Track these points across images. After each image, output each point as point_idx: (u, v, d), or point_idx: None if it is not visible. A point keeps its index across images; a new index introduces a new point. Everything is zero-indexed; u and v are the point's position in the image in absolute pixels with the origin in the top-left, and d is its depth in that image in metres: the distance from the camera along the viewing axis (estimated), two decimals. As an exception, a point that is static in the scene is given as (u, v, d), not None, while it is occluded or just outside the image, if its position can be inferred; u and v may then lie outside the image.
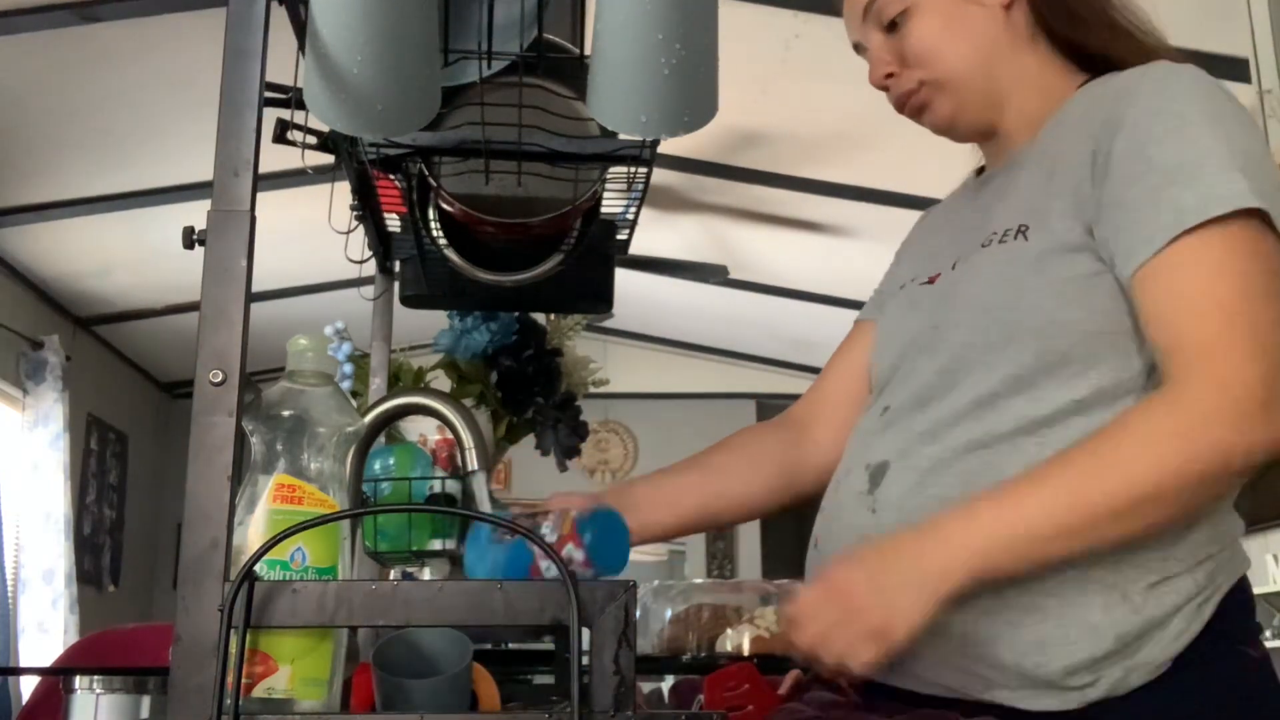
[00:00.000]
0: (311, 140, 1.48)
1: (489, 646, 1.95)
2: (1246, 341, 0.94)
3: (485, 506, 1.47)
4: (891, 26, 1.18)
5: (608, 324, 6.02)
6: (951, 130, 1.21)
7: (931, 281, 1.17)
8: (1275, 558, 4.65)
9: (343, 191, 1.77)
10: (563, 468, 2.30)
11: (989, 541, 0.95)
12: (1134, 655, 0.97)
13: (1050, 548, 0.95)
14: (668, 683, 2.82)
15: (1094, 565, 0.98)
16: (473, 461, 1.46)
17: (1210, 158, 0.99)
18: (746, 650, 2.10)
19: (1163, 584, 0.98)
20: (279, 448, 0.89)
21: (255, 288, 0.80)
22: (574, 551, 0.98)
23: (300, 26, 1.21)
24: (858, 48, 1.24)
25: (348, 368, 2.11)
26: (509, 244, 1.55)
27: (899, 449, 1.08)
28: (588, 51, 1.16)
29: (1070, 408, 1.01)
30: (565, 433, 2.19)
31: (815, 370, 6.98)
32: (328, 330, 2.12)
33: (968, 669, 1.00)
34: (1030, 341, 1.02)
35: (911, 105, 1.20)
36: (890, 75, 1.19)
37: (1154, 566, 0.98)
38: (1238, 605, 1.02)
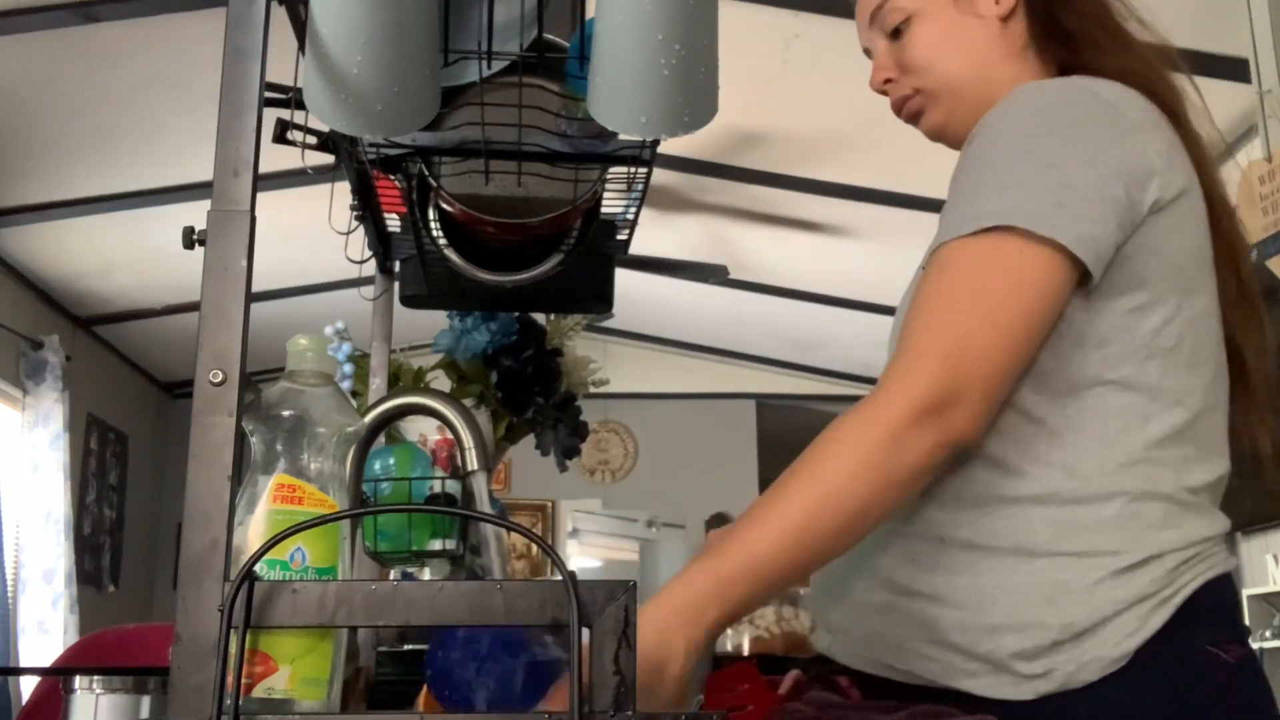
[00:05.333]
0: (311, 140, 1.48)
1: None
2: (944, 354, 0.99)
3: (485, 506, 1.47)
4: (895, 34, 1.23)
5: (608, 324, 6.02)
6: (943, 137, 1.25)
7: None
8: (1275, 558, 4.66)
9: (343, 191, 1.77)
10: (563, 468, 2.30)
11: (725, 604, 0.96)
12: (1082, 647, 0.99)
13: (787, 575, 0.98)
14: (668, 683, 2.82)
15: (1043, 557, 1.01)
16: (473, 461, 1.46)
17: (989, 177, 1.04)
18: (746, 650, 2.10)
19: (1112, 579, 1.00)
20: (279, 448, 0.89)
21: (255, 288, 0.80)
22: None
23: (300, 26, 1.21)
24: (867, 52, 1.29)
25: (348, 368, 2.11)
26: (509, 244, 1.55)
27: None
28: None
29: None
30: (565, 433, 2.19)
31: (815, 370, 7.01)
32: (328, 330, 2.12)
33: (932, 655, 1.04)
34: None
35: (907, 111, 1.25)
36: (889, 81, 1.24)
37: (1103, 562, 1.01)
38: (1211, 607, 1.02)
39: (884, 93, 1.26)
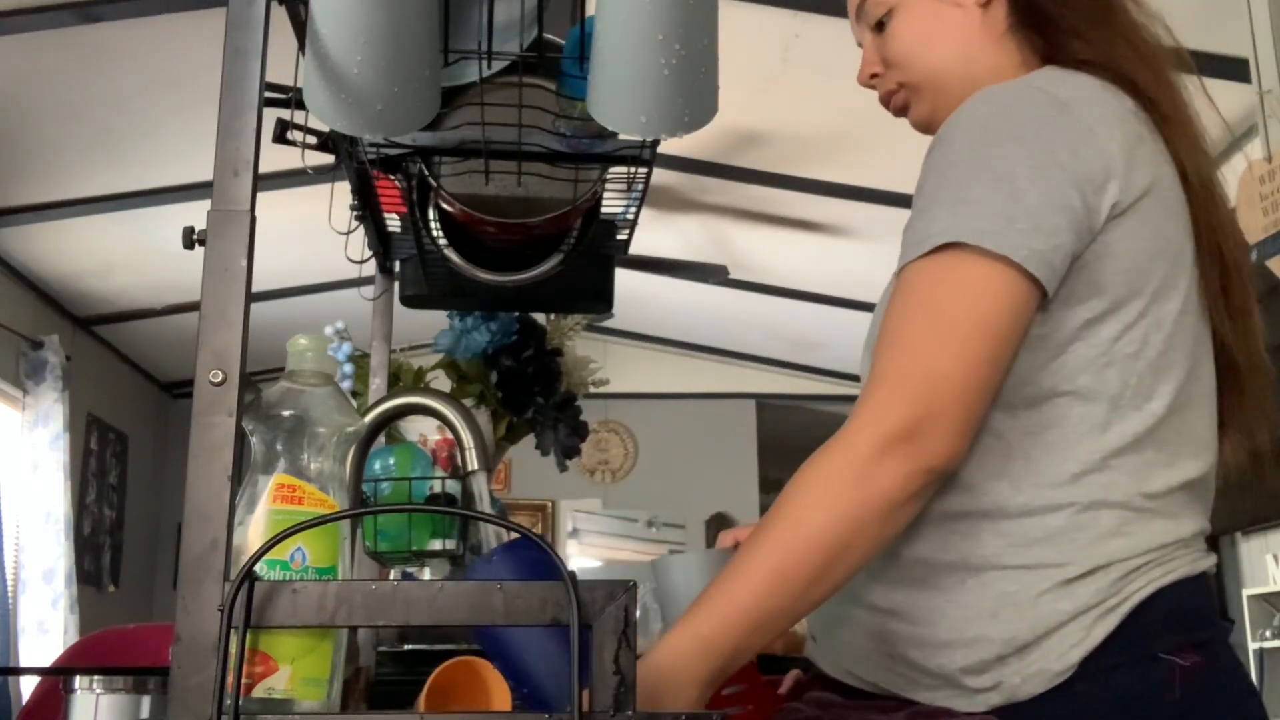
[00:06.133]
0: (311, 140, 1.48)
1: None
2: (910, 379, 0.97)
3: (485, 506, 1.47)
4: (879, 26, 1.21)
5: (608, 324, 6.02)
6: (931, 129, 1.21)
7: None
8: (1275, 558, 4.66)
9: (343, 191, 1.77)
10: (563, 468, 2.30)
11: (712, 661, 0.94)
12: (1026, 660, 0.98)
13: (777, 618, 0.96)
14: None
15: (989, 570, 1.01)
16: (473, 461, 1.46)
17: (943, 192, 1.02)
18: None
19: (1056, 590, 0.99)
20: (279, 448, 0.89)
21: (255, 288, 0.80)
22: None
23: (300, 26, 1.21)
24: (861, 45, 1.27)
25: (348, 368, 2.11)
26: (509, 244, 1.55)
27: None
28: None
29: None
30: (565, 433, 2.19)
31: (815, 370, 6.99)
32: (328, 330, 2.12)
33: (891, 668, 1.04)
34: None
35: (894, 105, 1.24)
36: (875, 75, 1.23)
37: (1049, 574, 0.99)
38: (1169, 612, 1.00)
39: (871, 87, 1.24)
